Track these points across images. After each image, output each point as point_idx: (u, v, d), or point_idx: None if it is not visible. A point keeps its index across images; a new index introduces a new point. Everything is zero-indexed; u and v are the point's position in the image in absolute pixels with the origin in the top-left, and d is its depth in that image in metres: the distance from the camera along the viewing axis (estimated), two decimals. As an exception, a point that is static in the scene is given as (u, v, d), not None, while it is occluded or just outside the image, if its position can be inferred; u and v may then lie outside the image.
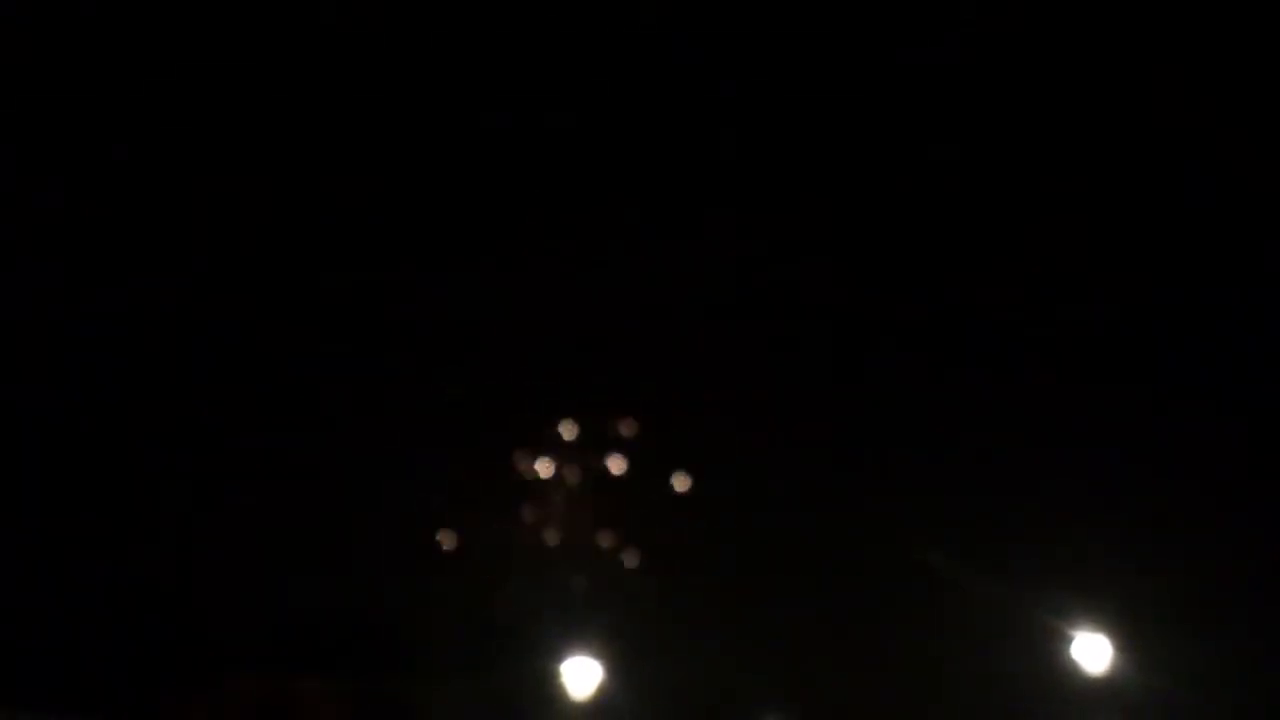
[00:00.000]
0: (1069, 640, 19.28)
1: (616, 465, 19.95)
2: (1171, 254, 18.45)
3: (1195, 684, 18.32)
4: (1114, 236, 18.79)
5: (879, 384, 19.64)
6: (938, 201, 18.79)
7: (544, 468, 20.07)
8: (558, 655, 19.19)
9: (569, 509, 20.31)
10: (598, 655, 19.18)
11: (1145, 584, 18.53)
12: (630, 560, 20.23)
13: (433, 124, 17.80)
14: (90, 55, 16.50)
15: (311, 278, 18.12)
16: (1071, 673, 19.32)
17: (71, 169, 16.98)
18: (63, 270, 17.43)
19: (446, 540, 19.82)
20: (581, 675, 19.16)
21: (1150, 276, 18.64)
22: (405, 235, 18.24)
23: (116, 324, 17.94)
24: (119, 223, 17.36)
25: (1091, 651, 19.23)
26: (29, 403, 17.86)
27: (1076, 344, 19.63)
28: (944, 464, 19.69)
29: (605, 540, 20.28)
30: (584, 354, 18.43)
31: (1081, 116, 18.10)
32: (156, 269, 17.73)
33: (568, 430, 19.88)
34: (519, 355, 18.44)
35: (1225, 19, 16.65)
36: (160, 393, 18.51)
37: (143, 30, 16.43)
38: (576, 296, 18.30)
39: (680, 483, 19.85)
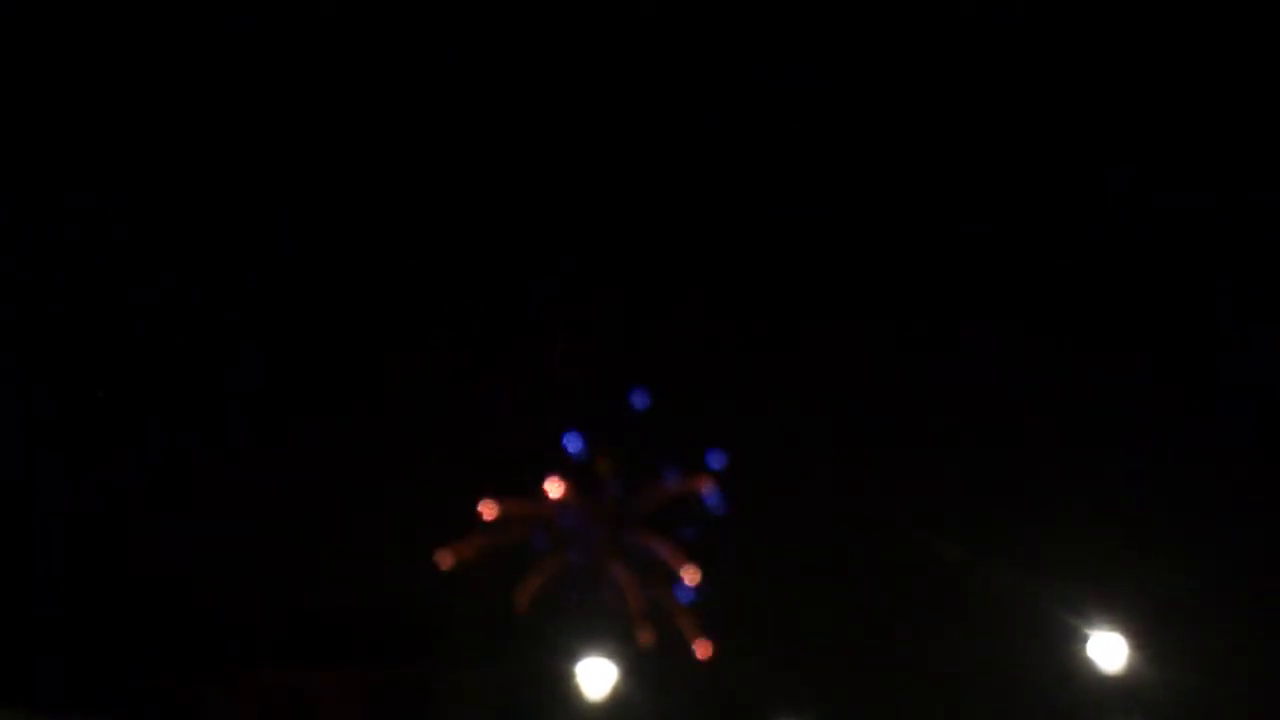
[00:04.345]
0: (1085, 638, 19.11)
1: None
2: (1175, 252, 18.35)
3: (1210, 681, 18.17)
4: (1121, 234, 18.71)
5: (892, 379, 19.59)
6: (938, 200, 18.77)
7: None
8: (573, 654, 19.21)
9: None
10: (612, 655, 19.19)
11: (1160, 582, 18.40)
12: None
13: (432, 129, 18.00)
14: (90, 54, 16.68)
15: (320, 277, 18.28)
16: (1088, 670, 19.15)
17: (71, 168, 17.20)
18: (70, 267, 17.64)
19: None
20: (596, 674, 19.15)
21: (1157, 275, 18.55)
22: (406, 238, 18.41)
23: (127, 317, 18.17)
24: (119, 223, 17.58)
25: (1107, 650, 19.03)
26: (40, 403, 18.12)
27: (1090, 342, 19.53)
28: (960, 463, 19.62)
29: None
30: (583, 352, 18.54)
31: (1081, 114, 18.10)
32: (163, 268, 17.95)
33: None
34: (519, 357, 18.58)
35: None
36: (174, 389, 18.73)
37: (142, 30, 16.62)
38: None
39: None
